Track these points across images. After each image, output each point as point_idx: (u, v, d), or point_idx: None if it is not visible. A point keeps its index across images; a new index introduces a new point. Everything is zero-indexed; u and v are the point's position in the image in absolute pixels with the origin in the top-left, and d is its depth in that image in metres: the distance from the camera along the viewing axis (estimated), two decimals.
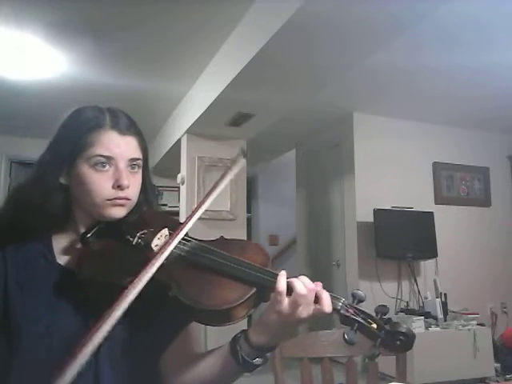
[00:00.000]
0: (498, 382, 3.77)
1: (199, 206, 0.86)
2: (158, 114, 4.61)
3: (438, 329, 3.87)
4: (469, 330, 3.88)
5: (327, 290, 0.77)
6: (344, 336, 0.72)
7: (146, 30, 2.96)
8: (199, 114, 3.69)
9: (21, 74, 3.58)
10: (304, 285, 0.75)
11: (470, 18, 2.83)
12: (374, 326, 0.73)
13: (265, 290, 0.76)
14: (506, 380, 3.78)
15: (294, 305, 0.74)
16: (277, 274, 0.77)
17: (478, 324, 4.02)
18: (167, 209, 5.13)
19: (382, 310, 0.76)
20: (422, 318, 3.86)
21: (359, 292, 0.78)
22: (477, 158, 5.04)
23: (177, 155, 4.40)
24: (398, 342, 0.72)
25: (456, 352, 3.76)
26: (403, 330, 0.72)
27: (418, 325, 3.75)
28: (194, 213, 0.85)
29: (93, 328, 0.68)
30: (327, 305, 0.75)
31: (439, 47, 3.22)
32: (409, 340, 0.72)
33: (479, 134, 5.07)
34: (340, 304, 0.75)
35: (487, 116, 4.66)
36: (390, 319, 0.75)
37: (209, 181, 4.16)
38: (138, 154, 0.91)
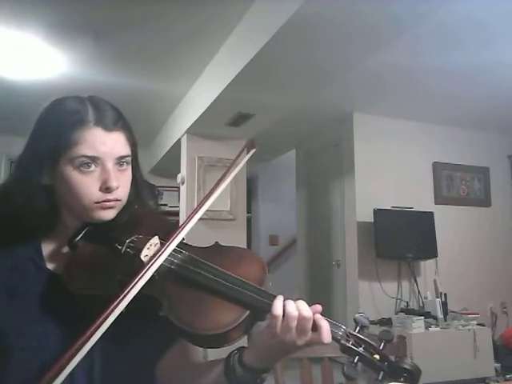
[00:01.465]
0: (498, 382, 3.77)
1: (200, 206, 0.82)
2: (158, 114, 4.61)
3: (437, 329, 3.87)
4: (469, 330, 3.88)
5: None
6: (343, 370, 0.68)
7: (146, 31, 2.96)
8: (199, 114, 3.69)
9: (21, 73, 3.58)
10: (296, 308, 0.70)
11: (470, 18, 2.83)
12: (377, 356, 0.69)
13: (259, 312, 0.72)
14: (506, 380, 3.79)
15: (287, 328, 0.69)
16: (272, 296, 0.72)
17: (478, 324, 4.02)
18: (167, 209, 5.13)
19: (385, 336, 0.71)
20: (422, 318, 3.86)
21: (362, 317, 0.73)
22: (477, 158, 5.04)
23: (177, 155, 4.40)
24: (402, 379, 0.68)
25: (456, 352, 3.76)
26: (407, 367, 0.67)
27: (417, 325, 3.76)
28: (191, 216, 0.80)
29: (74, 345, 0.64)
30: (326, 335, 0.69)
31: (439, 47, 3.22)
32: (413, 376, 0.67)
33: (479, 134, 5.07)
34: (340, 334, 0.70)
35: (487, 116, 4.66)
36: (398, 359, 0.69)
37: (209, 181, 4.15)
38: (126, 150, 0.84)
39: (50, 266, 0.85)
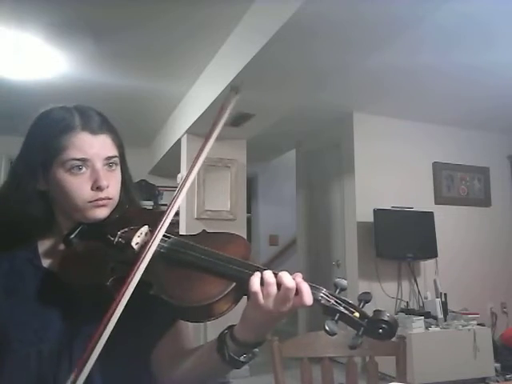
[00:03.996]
0: (498, 382, 3.77)
1: (188, 175, 0.83)
2: (158, 114, 4.61)
3: (437, 329, 3.88)
4: (469, 330, 3.89)
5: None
6: (324, 327, 0.70)
7: (146, 31, 2.96)
8: (199, 114, 3.69)
9: (21, 74, 3.58)
10: (272, 275, 0.73)
11: (470, 18, 2.83)
12: (357, 314, 0.71)
13: (244, 283, 0.75)
14: (506, 380, 3.79)
15: (268, 297, 0.72)
16: (256, 267, 0.75)
17: (478, 324, 4.02)
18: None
19: (365, 297, 0.74)
20: (422, 318, 3.86)
21: (341, 281, 0.76)
22: (477, 157, 5.04)
23: (177, 155, 4.40)
24: (381, 331, 0.70)
25: (456, 352, 3.76)
26: (385, 318, 0.70)
27: (417, 325, 3.76)
28: (179, 190, 0.82)
29: (92, 338, 0.67)
30: (307, 297, 0.72)
31: (439, 47, 3.22)
32: (391, 328, 0.70)
33: (479, 134, 5.07)
34: (321, 294, 0.73)
35: (487, 116, 4.66)
36: (376, 313, 0.72)
37: (209, 181, 4.15)
38: (113, 151, 0.89)
39: (45, 264, 0.89)
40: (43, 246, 0.90)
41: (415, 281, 4.43)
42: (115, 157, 0.89)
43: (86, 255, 0.87)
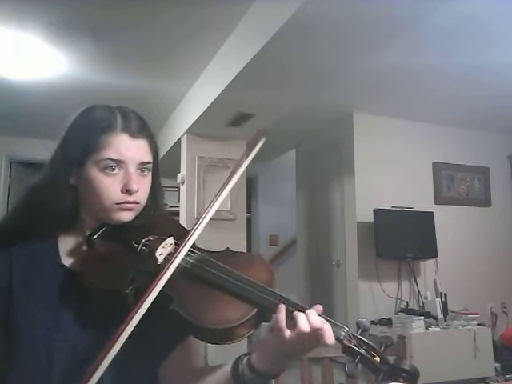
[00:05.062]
0: (498, 382, 3.77)
1: (212, 203, 0.85)
2: (158, 114, 4.61)
3: (437, 329, 3.88)
4: (469, 330, 3.89)
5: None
6: (345, 369, 0.70)
7: (146, 31, 2.96)
8: (199, 114, 3.69)
9: (21, 74, 3.58)
10: (308, 321, 0.71)
11: (470, 18, 2.83)
12: (377, 359, 0.70)
13: (266, 311, 0.74)
14: (506, 380, 3.79)
15: (298, 339, 0.71)
16: (280, 296, 0.74)
17: (478, 324, 4.02)
18: (167, 209, 5.13)
19: (386, 341, 0.73)
20: (422, 318, 3.86)
21: (364, 321, 0.74)
22: (477, 157, 5.04)
23: (177, 155, 4.40)
24: (401, 379, 0.69)
25: (456, 352, 3.76)
26: (407, 368, 0.69)
27: (417, 325, 3.76)
28: (204, 215, 0.83)
29: (105, 347, 0.67)
30: (329, 337, 0.70)
31: (439, 47, 3.22)
32: (412, 378, 0.69)
33: (479, 134, 5.07)
34: (343, 334, 0.72)
35: (487, 116, 4.66)
36: (397, 361, 0.71)
37: (209, 181, 4.15)
38: (148, 157, 0.89)
39: (65, 262, 0.88)
40: (64, 243, 0.90)
41: (415, 281, 4.42)
42: (149, 163, 0.90)
43: (107, 258, 0.86)
